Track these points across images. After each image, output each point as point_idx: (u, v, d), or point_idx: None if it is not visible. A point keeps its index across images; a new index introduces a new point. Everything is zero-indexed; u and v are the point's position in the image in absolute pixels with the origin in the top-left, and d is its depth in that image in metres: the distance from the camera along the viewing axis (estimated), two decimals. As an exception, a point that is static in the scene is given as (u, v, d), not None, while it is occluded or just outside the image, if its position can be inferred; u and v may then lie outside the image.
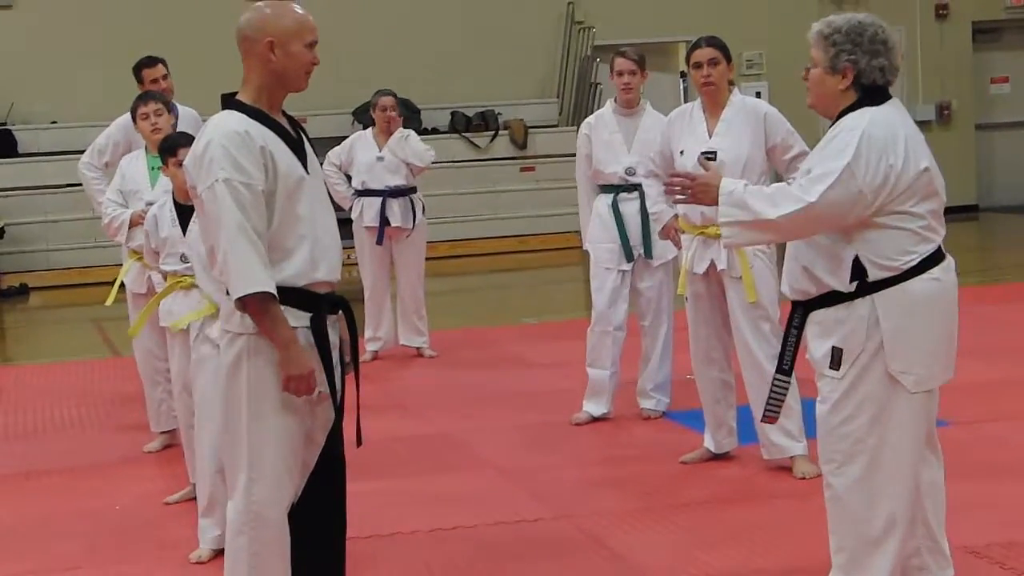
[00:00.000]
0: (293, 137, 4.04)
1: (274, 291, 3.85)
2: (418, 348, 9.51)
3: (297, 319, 3.95)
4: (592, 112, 8.19)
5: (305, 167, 4.03)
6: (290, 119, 4.10)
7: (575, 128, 14.26)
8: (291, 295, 3.93)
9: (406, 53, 16.71)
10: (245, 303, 3.85)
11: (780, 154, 6.10)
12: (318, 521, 4.07)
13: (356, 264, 9.71)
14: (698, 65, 6.12)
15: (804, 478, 5.94)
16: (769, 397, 4.33)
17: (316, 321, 3.99)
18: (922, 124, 19.00)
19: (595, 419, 7.31)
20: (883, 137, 4.03)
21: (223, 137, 3.88)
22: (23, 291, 14.56)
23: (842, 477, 4.12)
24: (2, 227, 14.78)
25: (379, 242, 9.34)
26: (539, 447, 6.88)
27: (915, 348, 4.07)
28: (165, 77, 8.57)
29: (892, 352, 4.03)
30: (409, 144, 9.29)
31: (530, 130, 16.97)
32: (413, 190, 9.41)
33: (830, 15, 4.20)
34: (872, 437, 4.07)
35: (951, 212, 18.83)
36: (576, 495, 5.99)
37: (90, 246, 14.26)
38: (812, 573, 4.54)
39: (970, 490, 5.58)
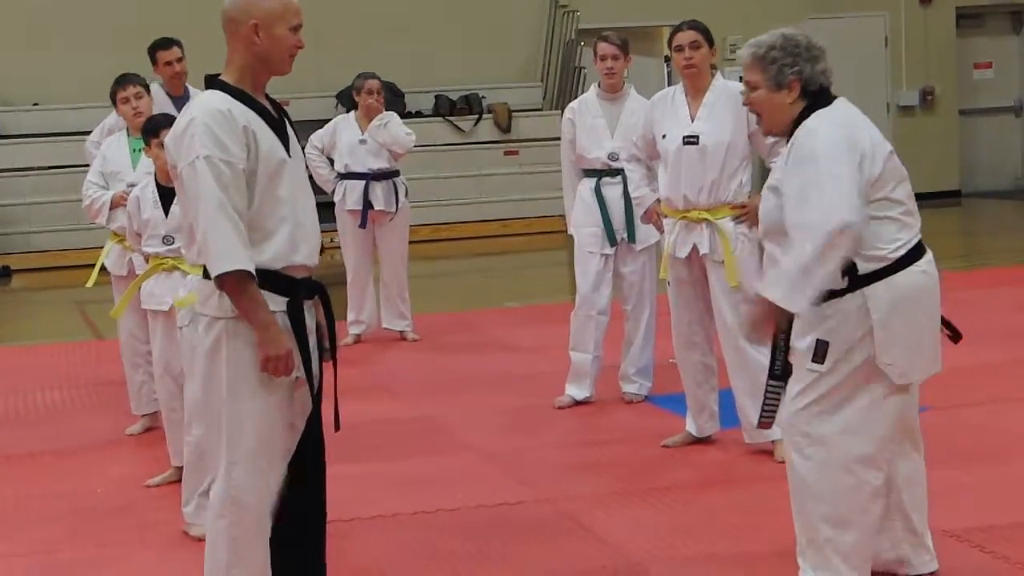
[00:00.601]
0: (275, 119, 4.03)
1: (253, 270, 3.83)
2: (401, 332, 9.51)
3: (274, 303, 3.92)
4: (576, 96, 8.19)
5: (287, 150, 4.01)
6: (273, 102, 4.09)
7: (559, 112, 14.26)
8: (268, 278, 3.90)
9: (390, 36, 16.68)
10: (223, 281, 3.83)
11: (762, 138, 6.09)
12: (298, 507, 4.06)
13: (339, 247, 9.71)
14: (679, 48, 6.12)
15: (784, 461, 5.93)
16: (764, 403, 4.33)
17: (293, 306, 3.96)
18: (906, 110, 19.20)
19: (578, 403, 7.32)
20: (844, 131, 4.05)
21: (205, 115, 3.86)
22: (5, 273, 14.53)
23: (809, 460, 4.14)
24: (-16, 209, 14.75)
25: (362, 225, 9.33)
26: (521, 430, 6.89)
27: (903, 341, 4.09)
28: (179, 60, 8.59)
29: (881, 345, 4.05)
30: (388, 130, 9.26)
31: (514, 114, 16.96)
32: (396, 173, 9.40)
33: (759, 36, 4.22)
34: (841, 421, 4.10)
35: (934, 197, 19.04)
36: (558, 478, 6.00)
37: (73, 228, 14.22)
38: (792, 556, 4.55)
39: (950, 475, 5.60)
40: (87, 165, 7.22)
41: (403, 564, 4.98)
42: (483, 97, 16.99)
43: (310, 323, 4.05)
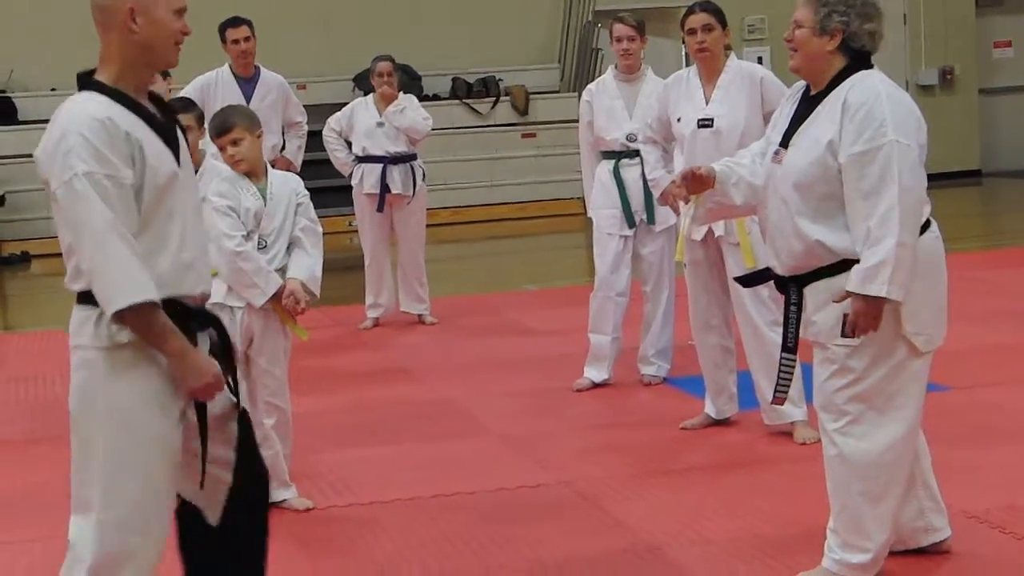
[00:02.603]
0: (163, 124, 3.52)
1: (157, 297, 3.35)
2: (419, 315, 9.51)
3: None
4: (594, 78, 8.17)
5: (177, 159, 3.51)
6: (159, 102, 3.59)
7: (576, 94, 14.22)
8: None
9: (406, 19, 16.65)
10: (125, 317, 3.32)
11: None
12: (240, 540, 3.73)
13: (356, 231, 9.70)
14: (692, 31, 6.09)
15: (805, 443, 5.94)
16: (778, 377, 4.34)
17: (217, 324, 3.60)
18: (925, 89, 19.12)
19: (596, 385, 7.32)
20: (903, 97, 4.07)
21: (81, 124, 3.35)
22: (25, 259, 14.56)
23: (850, 437, 4.13)
24: (3, 195, 14.77)
25: (380, 209, 9.32)
26: (540, 413, 6.89)
27: (926, 309, 4.10)
28: (247, 39, 8.58)
29: (907, 314, 4.04)
30: (405, 115, 9.24)
31: (531, 96, 16.92)
32: (414, 156, 9.38)
33: None
34: (881, 398, 4.10)
35: (954, 177, 18.98)
36: (577, 461, 6.00)
37: (91, 214, 14.24)
38: (812, 538, 4.55)
39: (969, 455, 5.59)
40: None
41: (421, 547, 4.99)
42: (500, 80, 16.95)
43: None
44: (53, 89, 15.71)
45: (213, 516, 3.68)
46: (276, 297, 5.28)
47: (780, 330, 5.99)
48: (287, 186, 5.44)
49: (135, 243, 3.34)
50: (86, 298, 3.43)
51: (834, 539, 4.23)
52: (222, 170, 5.39)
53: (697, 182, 4.44)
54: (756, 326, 6.04)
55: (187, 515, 3.72)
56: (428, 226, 9.68)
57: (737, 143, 5.99)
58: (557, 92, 17.24)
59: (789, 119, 4.26)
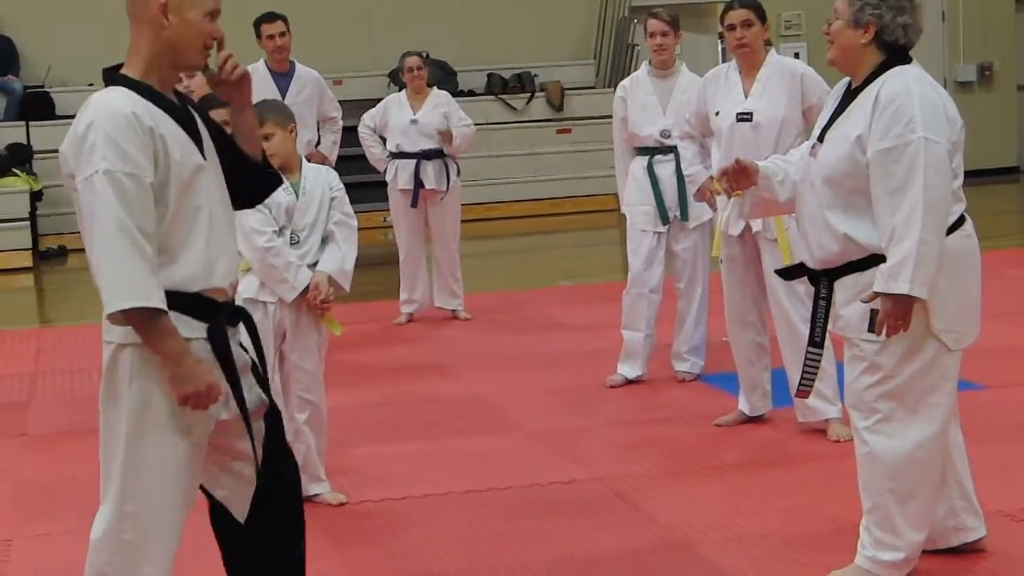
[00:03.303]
0: (187, 117, 3.53)
1: (161, 304, 3.32)
2: (453, 310, 9.52)
3: (191, 329, 3.43)
4: (629, 74, 8.15)
5: (202, 152, 3.51)
6: (181, 97, 3.60)
7: (612, 90, 14.16)
8: (184, 301, 3.41)
9: (442, 14, 16.67)
10: (131, 316, 3.32)
11: (817, 114, 6.04)
12: (271, 536, 3.73)
13: (391, 226, 9.72)
14: (731, 27, 6.08)
15: (839, 441, 5.91)
16: (804, 370, 4.34)
17: (215, 332, 3.48)
18: (963, 85, 18.99)
19: (630, 381, 7.31)
20: (933, 94, 4.03)
21: (105, 120, 3.34)
22: (62, 253, 14.64)
23: (880, 435, 4.11)
24: (40, 189, 14.86)
25: (414, 204, 9.33)
26: (573, 409, 6.89)
27: (955, 306, 4.07)
28: (283, 34, 8.61)
29: (936, 311, 4.01)
30: (461, 137, 9.22)
31: (567, 92, 16.91)
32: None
33: None
34: (911, 396, 4.08)
35: (992, 174, 18.82)
36: (610, 457, 6.00)
37: (127, 208, 14.31)
38: (845, 535, 4.53)
39: (1003, 453, 5.56)
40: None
41: (454, 542, 4.99)
42: (535, 75, 16.95)
43: (237, 354, 3.56)
44: (90, 84, 15.79)
45: (240, 513, 3.68)
46: (307, 292, 5.30)
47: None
48: (321, 180, 5.42)
49: (146, 246, 3.31)
50: None
51: (867, 536, 4.22)
52: None
53: (741, 176, 4.41)
54: (791, 322, 6.02)
55: (220, 511, 3.74)
56: (462, 222, 9.69)
57: (776, 137, 5.99)
58: (592, 88, 17.23)
59: (830, 114, 4.26)
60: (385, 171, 9.44)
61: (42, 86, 15.73)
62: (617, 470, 5.77)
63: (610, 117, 7.52)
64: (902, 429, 4.10)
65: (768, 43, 6.26)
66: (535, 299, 10.25)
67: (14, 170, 14.66)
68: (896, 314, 3.95)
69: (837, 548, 4.53)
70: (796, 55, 15.37)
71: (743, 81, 6.14)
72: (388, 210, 9.68)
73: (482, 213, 15.12)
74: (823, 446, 5.95)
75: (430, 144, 9.29)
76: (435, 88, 9.56)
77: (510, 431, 6.57)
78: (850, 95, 4.19)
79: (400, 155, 9.33)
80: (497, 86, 16.79)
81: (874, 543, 4.19)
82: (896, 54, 4.12)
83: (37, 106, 15.53)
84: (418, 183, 9.27)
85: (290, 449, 3.80)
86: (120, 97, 3.40)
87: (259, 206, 5.19)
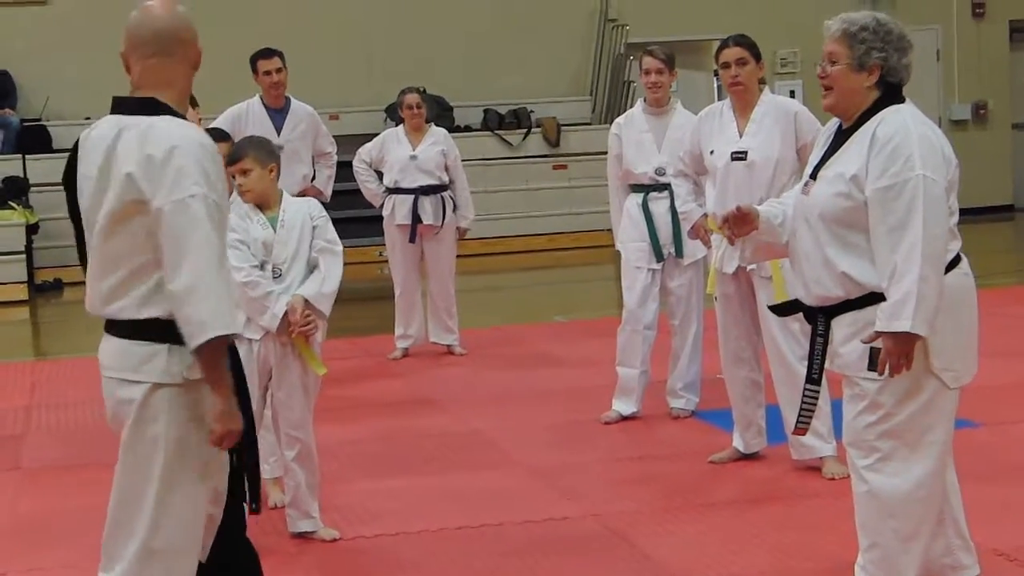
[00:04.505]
0: None
1: (240, 331, 3.47)
2: (448, 346, 9.52)
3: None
4: (625, 110, 8.19)
5: None
6: None
7: (608, 126, 14.20)
8: None
9: (439, 50, 16.73)
10: (205, 348, 3.33)
11: (811, 153, 6.06)
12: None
13: (386, 261, 9.73)
14: (726, 65, 6.10)
15: (833, 478, 5.91)
16: (801, 408, 4.31)
17: (235, 364, 3.53)
18: (958, 124, 19.03)
19: (624, 418, 7.30)
20: (930, 133, 4.03)
21: (192, 145, 3.41)
22: (57, 286, 14.64)
23: (880, 474, 4.10)
24: (36, 222, 14.87)
25: (412, 240, 9.34)
26: (568, 445, 6.88)
27: (954, 344, 4.06)
28: (279, 70, 8.64)
29: (935, 349, 4.01)
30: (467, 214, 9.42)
31: (563, 128, 16.96)
32: (445, 188, 9.41)
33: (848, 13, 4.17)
34: (911, 434, 4.07)
35: (987, 212, 18.79)
36: (604, 494, 5.99)
37: (124, 241, 14.31)
38: (840, 573, 4.52)
39: (1001, 492, 5.55)
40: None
41: (448, 579, 4.98)
42: (532, 111, 17.01)
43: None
44: (87, 118, 15.84)
45: (203, 553, 3.65)
46: (291, 327, 5.29)
47: (809, 364, 6.03)
48: (301, 211, 5.44)
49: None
50: (152, 331, 3.42)
51: (866, 563, 4.20)
52: (236, 202, 5.40)
53: (742, 222, 4.40)
54: (786, 360, 6.02)
55: None
56: (458, 257, 9.71)
57: (771, 176, 6.01)
58: (588, 124, 17.28)
59: (822, 152, 4.26)
60: (381, 206, 9.46)
61: (39, 119, 15.77)
62: (611, 507, 5.76)
63: (606, 153, 7.55)
64: (903, 468, 4.09)
65: (763, 82, 6.28)
66: (530, 335, 10.26)
67: (10, 203, 14.68)
68: (898, 352, 3.95)
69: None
70: (792, 93, 15.43)
71: (737, 120, 6.16)
72: (384, 245, 9.69)
73: (477, 248, 15.13)
74: (818, 484, 5.94)
75: (428, 180, 9.32)
76: (433, 124, 9.59)
77: (504, 467, 6.56)
78: (843, 134, 4.20)
79: (398, 190, 9.35)
80: (493, 122, 16.85)
81: None
82: (890, 93, 4.12)
83: (34, 139, 15.57)
84: (416, 218, 9.29)
85: (244, 488, 3.72)
86: (191, 127, 3.48)
87: (237, 243, 5.21)
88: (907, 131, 3.99)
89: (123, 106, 3.59)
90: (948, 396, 4.10)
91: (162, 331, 3.41)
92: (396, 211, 9.36)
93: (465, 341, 9.55)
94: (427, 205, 9.32)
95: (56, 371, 9.69)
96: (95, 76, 15.90)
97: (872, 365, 4.02)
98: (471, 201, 9.60)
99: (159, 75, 3.57)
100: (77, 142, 3.69)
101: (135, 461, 3.49)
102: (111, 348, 3.53)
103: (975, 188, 18.10)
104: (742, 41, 6.11)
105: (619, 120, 7.45)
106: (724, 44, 6.17)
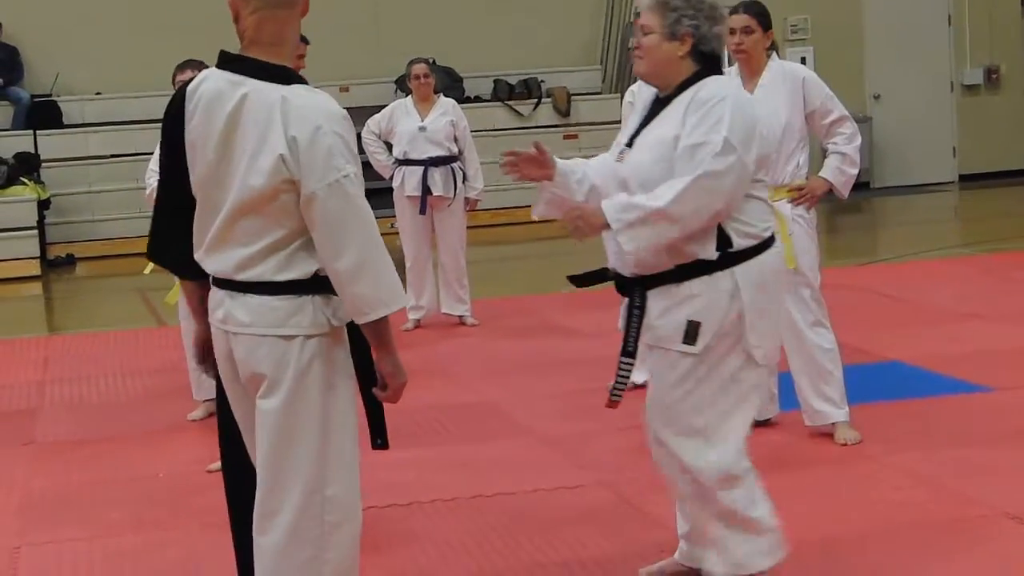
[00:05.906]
0: None
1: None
2: (460, 316, 9.53)
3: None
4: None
5: None
6: None
7: (619, 95, 14.19)
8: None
9: (448, 21, 16.69)
10: (380, 321, 3.43)
11: (819, 119, 6.05)
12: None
13: (397, 233, 9.73)
14: (732, 31, 6.06)
15: (846, 444, 5.92)
16: (616, 380, 4.24)
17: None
18: (970, 88, 18.92)
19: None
20: (747, 106, 4.03)
21: (332, 122, 3.33)
22: (70, 261, 14.68)
23: (692, 443, 4.12)
24: (48, 198, 14.90)
25: (422, 211, 9.35)
26: (580, 415, 6.88)
27: (767, 322, 4.07)
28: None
29: (751, 325, 4.01)
30: (472, 159, 9.41)
31: (573, 98, 16.92)
32: (455, 159, 9.41)
33: None
34: (719, 406, 4.07)
35: (999, 177, 18.66)
36: (616, 462, 6.00)
37: (135, 216, 14.34)
38: (853, 539, 4.53)
39: (1011, 455, 5.55)
40: (149, 153, 7.27)
41: (461, 547, 5.00)
42: (542, 81, 16.96)
43: None
44: (98, 93, 15.86)
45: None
46: None
47: (822, 331, 6.05)
48: None
49: None
50: (293, 287, 3.42)
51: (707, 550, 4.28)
52: None
53: (533, 164, 4.30)
54: (797, 327, 6.02)
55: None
56: (469, 228, 9.70)
57: (778, 142, 5.98)
58: (599, 93, 17.24)
59: (640, 120, 4.21)
60: (391, 177, 9.45)
61: (49, 95, 15.77)
62: (623, 475, 5.77)
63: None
64: (720, 442, 4.09)
65: (772, 48, 6.23)
66: (542, 305, 10.26)
67: (22, 179, 14.69)
68: (586, 220, 4.02)
69: (844, 550, 4.53)
70: (803, 60, 15.36)
71: (745, 86, 6.12)
72: (394, 216, 9.69)
73: (488, 219, 15.13)
74: (830, 449, 5.95)
75: (438, 151, 9.31)
76: (442, 95, 9.57)
77: (517, 436, 6.57)
78: (660, 103, 4.15)
79: (407, 162, 9.34)
80: (504, 92, 16.81)
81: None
82: (709, 65, 4.10)
83: (44, 115, 15.57)
84: (426, 190, 9.29)
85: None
86: (323, 97, 3.38)
87: None
88: (724, 97, 3.99)
89: (240, 65, 3.43)
90: (756, 371, 4.12)
91: (304, 286, 3.44)
92: (406, 183, 9.36)
93: (477, 312, 9.56)
94: (437, 176, 9.32)
95: (69, 346, 9.73)
96: (105, 51, 15.94)
97: (688, 338, 4.02)
98: (481, 172, 9.60)
99: (277, 30, 3.42)
100: (181, 93, 3.55)
101: (292, 411, 3.47)
102: (247, 305, 3.46)
103: (987, 153, 18.06)
104: (751, 8, 6.07)
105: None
106: (733, 10, 6.12)
